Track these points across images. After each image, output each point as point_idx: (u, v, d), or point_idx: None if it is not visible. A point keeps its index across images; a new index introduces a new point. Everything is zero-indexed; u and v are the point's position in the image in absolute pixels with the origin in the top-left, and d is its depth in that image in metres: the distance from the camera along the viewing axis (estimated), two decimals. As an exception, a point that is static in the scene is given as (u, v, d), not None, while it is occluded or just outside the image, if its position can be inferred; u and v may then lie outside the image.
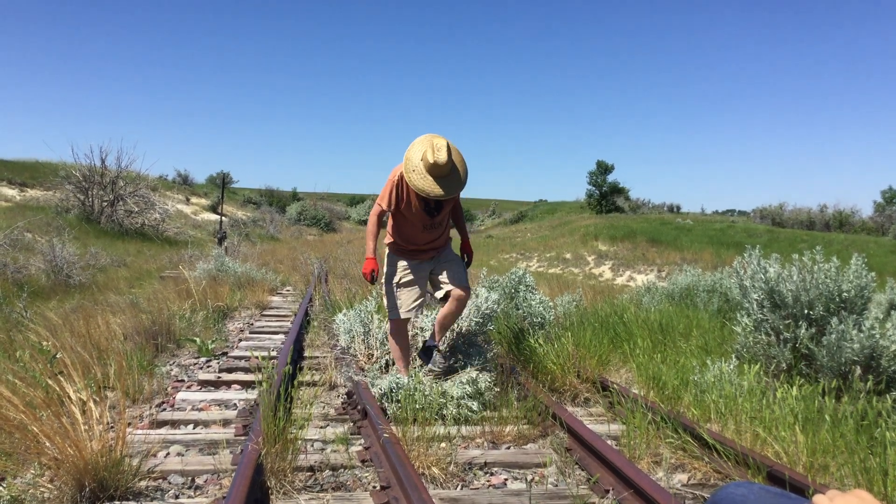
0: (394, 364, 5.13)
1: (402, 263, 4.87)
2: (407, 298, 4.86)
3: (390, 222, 4.89)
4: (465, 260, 5.04)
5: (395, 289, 4.87)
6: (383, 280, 4.94)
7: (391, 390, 4.55)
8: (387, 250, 4.98)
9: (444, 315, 4.82)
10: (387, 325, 6.06)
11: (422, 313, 5.48)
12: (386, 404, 4.51)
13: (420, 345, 5.21)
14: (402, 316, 4.87)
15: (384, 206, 4.66)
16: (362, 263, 4.95)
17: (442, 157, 4.32)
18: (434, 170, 4.37)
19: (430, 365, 4.89)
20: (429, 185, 4.41)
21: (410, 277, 4.86)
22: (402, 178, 4.58)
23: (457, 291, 4.74)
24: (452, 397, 4.41)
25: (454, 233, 5.21)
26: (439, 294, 4.86)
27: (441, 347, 4.95)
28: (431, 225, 4.74)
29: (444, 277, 4.82)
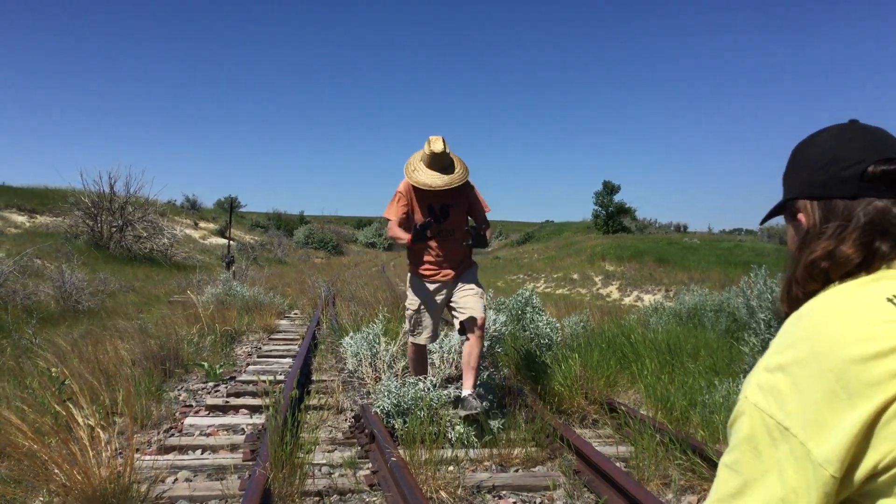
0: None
1: (421, 290, 4.84)
2: (425, 324, 4.88)
3: (408, 249, 4.87)
4: (479, 235, 4.62)
5: (414, 315, 4.88)
6: (406, 304, 4.98)
7: (396, 405, 4.54)
8: (409, 276, 4.98)
9: (467, 355, 4.62)
10: (394, 348, 6.08)
11: (437, 338, 5.31)
12: (392, 421, 4.49)
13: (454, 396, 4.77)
14: (420, 342, 4.93)
15: (391, 217, 4.68)
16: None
17: (438, 146, 4.45)
18: (433, 161, 4.49)
19: (465, 411, 4.49)
20: (430, 177, 4.50)
21: (429, 303, 4.84)
22: (406, 187, 4.66)
23: (471, 323, 4.62)
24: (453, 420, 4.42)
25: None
26: (456, 322, 4.78)
27: (473, 391, 4.59)
28: (440, 232, 4.68)
29: (459, 306, 4.73)
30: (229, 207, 28.91)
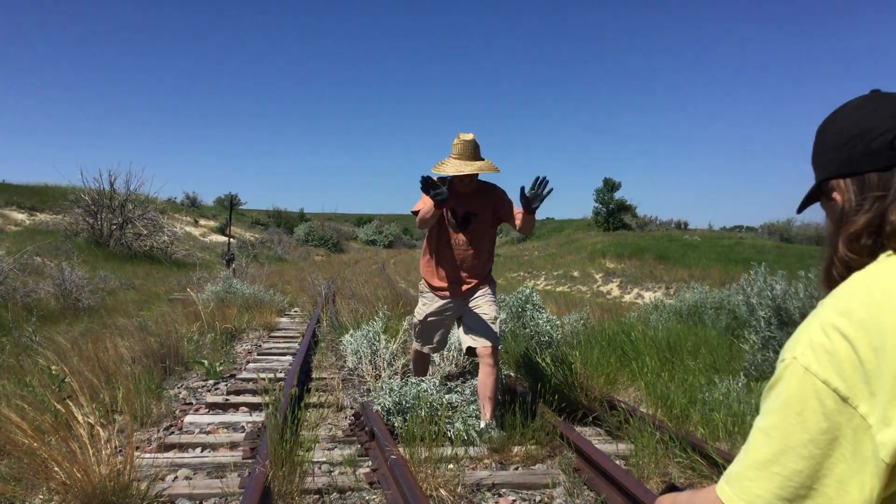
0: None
1: (430, 303, 4.69)
2: (429, 336, 4.79)
3: (423, 254, 4.75)
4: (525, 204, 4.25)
5: (419, 325, 4.78)
6: (416, 311, 4.87)
7: (397, 403, 4.54)
8: (421, 283, 4.83)
9: (483, 386, 4.43)
10: (395, 346, 6.08)
11: (443, 348, 5.12)
12: (393, 419, 4.49)
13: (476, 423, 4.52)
14: (423, 350, 4.87)
15: (418, 209, 4.42)
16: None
17: (468, 135, 4.34)
18: (463, 149, 4.34)
19: (485, 436, 4.32)
20: (461, 165, 4.33)
21: (436, 318, 4.70)
22: None
23: (482, 349, 4.43)
24: (455, 407, 4.42)
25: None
26: (464, 345, 4.60)
27: (492, 420, 4.42)
28: (458, 242, 4.53)
29: (469, 329, 4.54)
30: (229, 205, 28.90)
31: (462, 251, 4.55)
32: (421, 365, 5.03)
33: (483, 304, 4.56)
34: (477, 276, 4.61)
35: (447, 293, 4.61)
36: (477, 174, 4.43)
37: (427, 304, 4.71)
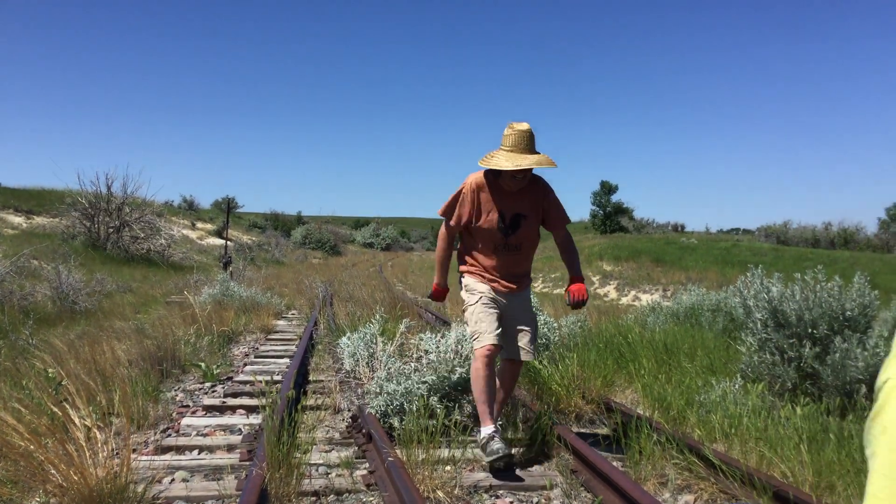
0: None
1: (480, 285, 4.08)
2: (491, 317, 3.98)
3: (460, 248, 4.26)
4: (571, 300, 4.13)
5: (476, 305, 4.01)
6: (464, 306, 4.15)
7: (388, 404, 4.54)
8: (465, 277, 4.19)
9: (501, 389, 4.19)
10: (391, 348, 6.07)
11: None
12: (390, 421, 4.48)
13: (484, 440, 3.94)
14: (492, 341, 3.92)
15: (446, 215, 4.07)
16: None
17: (523, 125, 3.88)
18: (518, 140, 3.84)
19: (490, 456, 3.78)
20: (517, 159, 3.81)
21: (490, 299, 4.04)
22: (474, 186, 4.00)
23: (520, 360, 4.13)
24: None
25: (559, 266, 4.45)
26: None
27: (495, 427, 3.93)
28: (505, 246, 4.03)
29: (511, 335, 4.08)
30: (226, 208, 28.91)
31: (509, 256, 4.07)
32: (488, 379, 3.93)
33: (525, 310, 4.14)
34: (522, 278, 4.17)
35: (495, 286, 4.08)
36: (531, 169, 3.94)
37: (477, 282, 4.08)
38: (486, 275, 4.06)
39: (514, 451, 3.88)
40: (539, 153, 3.90)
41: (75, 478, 3.02)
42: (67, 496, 3.04)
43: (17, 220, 24.50)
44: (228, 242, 26.25)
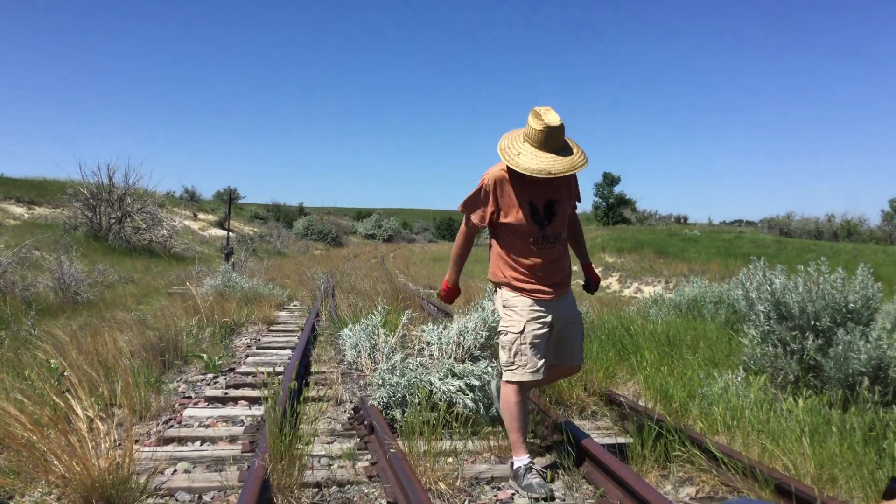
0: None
1: (524, 305, 3.54)
2: (532, 355, 3.50)
3: (492, 252, 3.71)
4: (593, 288, 3.97)
5: (517, 339, 3.50)
6: (502, 327, 3.61)
7: (391, 396, 4.54)
8: (502, 290, 3.64)
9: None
10: (393, 340, 6.06)
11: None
12: (392, 413, 4.49)
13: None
14: (530, 378, 3.50)
15: (468, 212, 3.62)
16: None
17: (554, 117, 3.34)
18: (548, 139, 3.34)
19: (527, 494, 3.41)
20: (544, 162, 3.34)
21: (541, 326, 3.51)
22: (497, 179, 3.51)
23: (570, 367, 3.78)
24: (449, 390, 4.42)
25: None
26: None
27: (531, 458, 3.59)
28: (544, 238, 3.53)
29: (560, 347, 3.66)
30: (228, 199, 28.85)
31: (550, 249, 3.58)
32: (521, 410, 3.56)
33: (574, 312, 3.72)
34: (564, 272, 3.67)
35: (538, 296, 3.55)
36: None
37: (521, 307, 3.54)
38: (528, 283, 3.55)
39: (552, 485, 3.55)
40: (571, 147, 3.45)
41: (77, 468, 3.02)
42: (70, 487, 3.05)
43: (19, 210, 24.52)
44: (230, 233, 26.25)
